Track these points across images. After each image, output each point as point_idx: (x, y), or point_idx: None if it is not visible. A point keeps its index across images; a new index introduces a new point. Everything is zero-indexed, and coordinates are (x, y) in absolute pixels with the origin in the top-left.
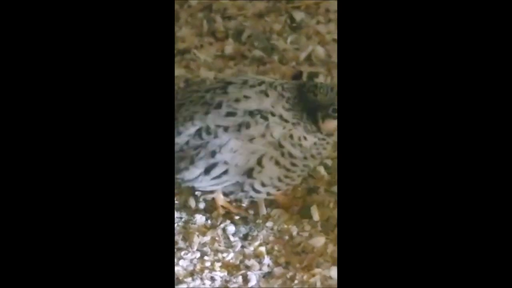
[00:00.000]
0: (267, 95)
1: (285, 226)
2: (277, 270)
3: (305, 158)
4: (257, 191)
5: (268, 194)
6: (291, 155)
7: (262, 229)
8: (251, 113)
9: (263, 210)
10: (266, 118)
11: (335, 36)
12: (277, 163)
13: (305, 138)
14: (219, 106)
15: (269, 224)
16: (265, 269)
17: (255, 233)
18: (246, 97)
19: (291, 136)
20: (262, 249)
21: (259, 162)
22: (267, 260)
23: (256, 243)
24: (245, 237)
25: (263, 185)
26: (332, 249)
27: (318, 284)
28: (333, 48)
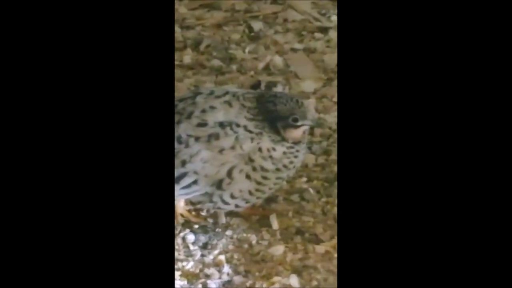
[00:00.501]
0: (230, 105)
1: (245, 234)
2: (237, 279)
3: (277, 169)
4: (226, 203)
5: (236, 206)
6: (263, 169)
7: (221, 238)
8: (221, 124)
9: (223, 219)
10: (235, 131)
11: (293, 46)
12: (248, 176)
13: (273, 149)
14: (189, 116)
15: (228, 232)
16: (225, 277)
17: (214, 242)
18: (212, 107)
19: (260, 149)
20: (222, 257)
21: (229, 174)
22: (226, 268)
23: (216, 252)
24: (204, 246)
25: (232, 197)
26: (291, 257)
27: None
28: (291, 58)
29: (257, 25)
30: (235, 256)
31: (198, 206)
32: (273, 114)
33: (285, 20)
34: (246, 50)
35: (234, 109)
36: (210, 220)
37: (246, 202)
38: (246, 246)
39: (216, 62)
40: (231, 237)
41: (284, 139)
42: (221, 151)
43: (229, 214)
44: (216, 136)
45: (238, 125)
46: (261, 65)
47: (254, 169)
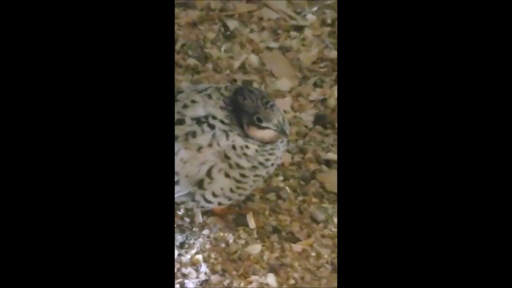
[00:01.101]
0: (210, 97)
1: (221, 234)
2: (214, 278)
3: (253, 167)
4: (209, 201)
5: (219, 204)
6: (239, 166)
7: (198, 237)
8: (198, 121)
9: (200, 218)
10: (212, 127)
11: (269, 44)
12: (227, 175)
13: (246, 146)
14: None
15: (205, 232)
16: (202, 277)
17: (191, 241)
18: (193, 101)
19: (234, 147)
20: (199, 257)
21: (209, 174)
22: (204, 268)
23: (193, 251)
24: (181, 245)
25: (214, 195)
26: (268, 256)
27: None
28: (267, 56)
29: (232, 24)
30: (212, 255)
31: (182, 206)
32: (240, 108)
33: (261, 19)
34: (222, 49)
35: (213, 100)
36: (187, 220)
37: (229, 200)
38: (223, 245)
39: (191, 61)
40: (208, 236)
41: (247, 136)
42: (199, 149)
43: (206, 213)
44: (193, 134)
45: (214, 117)
46: (236, 64)
47: (230, 166)
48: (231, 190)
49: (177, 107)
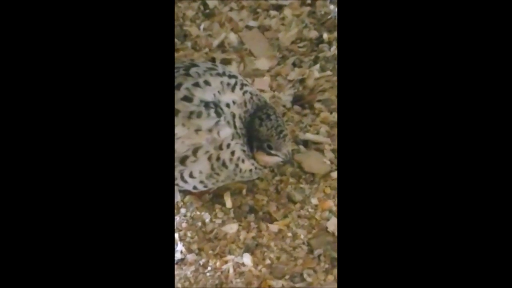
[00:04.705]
0: (233, 90)
1: (198, 213)
2: (190, 257)
3: (235, 174)
4: (185, 181)
5: (194, 188)
6: (224, 164)
7: (175, 216)
8: (206, 105)
9: (177, 197)
10: (219, 115)
11: (248, 23)
12: (209, 159)
13: (243, 161)
14: (178, 87)
15: (182, 210)
16: (178, 256)
17: None
18: (206, 83)
19: (232, 153)
20: (175, 235)
21: (195, 153)
22: (180, 246)
23: None
24: None
25: (191, 176)
26: (245, 236)
27: (231, 270)
28: (246, 35)
29: (211, 2)
30: (189, 234)
31: None
32: (254, 132)
33: None
34: (201, 27)
35: (234, 94)
36: None
37: (204, 186)
38: (199, 224)
39: None
40: (185, 215)
41: (253, 158)
42: (197, 131)
43: (183, 191)
44: (198, 114)
45: (228, 105)
46: (215, 43)
47: (218, 158)
48: (208, 176)
49: (188, 82)
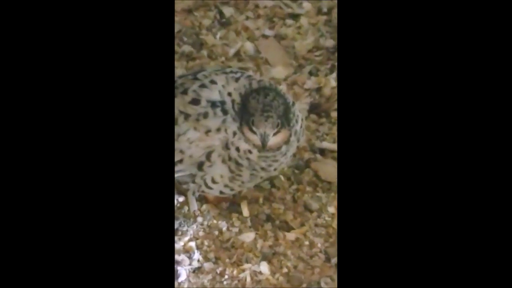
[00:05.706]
0: (236, 81)
1: (215, 221)
2: (207, 265)
3: (254, 170)
4: (209, 187)
5: (221, 192)
6: (237, 163)
7: (192, 224)
8: (213, 104)
9: (194, 206)
10: (226, 112)
11: (264, 32)
12: (224, 161)
13: (250, 151)
14: (185, 91)
15: (199, 219)
16: (195, 264)
17: (185, 228)
18: (212, 82)
19: (237, 149)
20: (192, 244)
21: (208, 157)
22: (197, 255)
23: (186, 238)
24: (175, 232)
25: (214, 181)
26: (262, 244)
27: (248, 279)
28: (262, 44)
29: (228, 11)
30: (205, 243)
31: (184, 186)
32: (246, 104)
33: (256, 6)
34: (217, 36)
35: (238, 85)
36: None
37: (231, 190)
38: (216, 232)
39: (186, 48)
40: (202, 224)
41: (241, 133)
42: (207, 132)
43: (200, 200)
44: (205, 115)
45: (233, 101)
46: (231, 51)
47: (229, 159)
48: (231, 179)
49: (195, 85)
